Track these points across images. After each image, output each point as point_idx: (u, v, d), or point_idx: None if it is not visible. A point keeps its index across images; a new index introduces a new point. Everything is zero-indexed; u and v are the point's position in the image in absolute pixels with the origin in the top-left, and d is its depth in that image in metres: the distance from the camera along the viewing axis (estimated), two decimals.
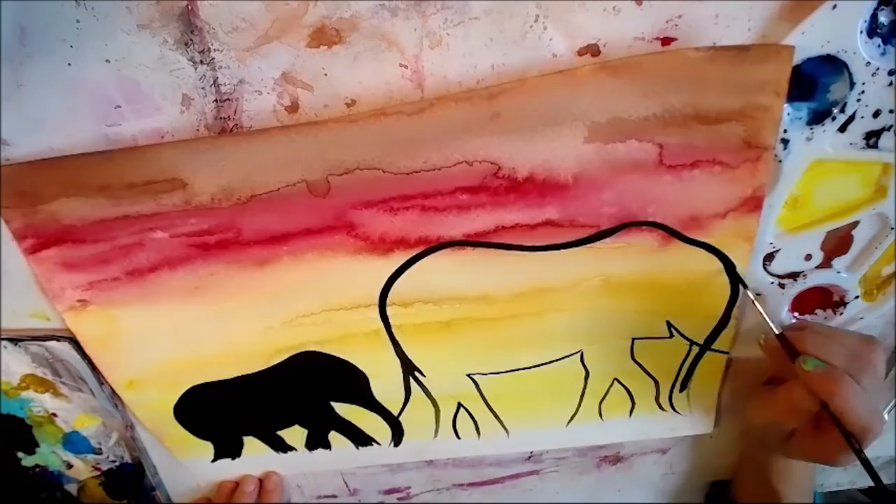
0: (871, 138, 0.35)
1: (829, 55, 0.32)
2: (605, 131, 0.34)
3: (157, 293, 0.40)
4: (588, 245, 0.39)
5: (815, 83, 0.33)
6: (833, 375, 0.35)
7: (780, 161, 0.36)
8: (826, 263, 0.41)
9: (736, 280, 0.40)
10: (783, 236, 0.39)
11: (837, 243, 0.40)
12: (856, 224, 0.39)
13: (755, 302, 0.39)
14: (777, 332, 0.38)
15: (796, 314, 0.44)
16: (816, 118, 0.35)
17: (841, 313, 0.44)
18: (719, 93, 0.33)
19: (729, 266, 0.39)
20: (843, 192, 0.38)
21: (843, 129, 0.35)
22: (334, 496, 0.57)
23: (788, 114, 0.34)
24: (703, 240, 0.38)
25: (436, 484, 0.56)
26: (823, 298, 0.44)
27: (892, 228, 0.39)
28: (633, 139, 0.34)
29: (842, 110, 0.34)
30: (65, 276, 0.40)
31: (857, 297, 0.43)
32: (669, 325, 0.43)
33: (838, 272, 0.41)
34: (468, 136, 0.34)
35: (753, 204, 0.37)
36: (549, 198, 0.37)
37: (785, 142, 0.35)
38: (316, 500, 0.57)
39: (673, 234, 0.38)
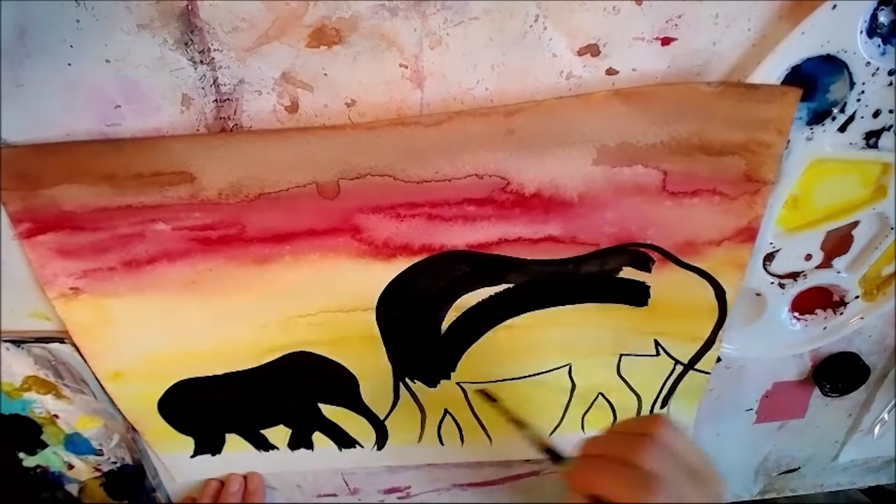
0: (871, 138, 0.35)
1: (829, 55, 0.32)
2: (613, 155, 0.35)
3: (153, 285, 0.40)
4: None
5: (815, 83, 0.33)
6: (585, 464, 0.32)
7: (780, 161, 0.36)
8: (826, 263, 0.41)
9: (724, 305, 0.41)
10: (783, 236, 0.40)
11: (837, 243, 0.41)
12: (856, 224, 0.40)
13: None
14: (546, 448, 0.37)
15: (796, 314, 0.44)
16: (816, 118, 0.35)
17: (841, 313, 0.44)
18: (725, 127, 0.33)
19: (719, 291, 0.40)
20: (842, 191, 0.38)
21: (843, 128, 0.35)
22: (334, 495, 0.57)
23: None
24: (697, 265, 0.39)
25: (436, 483, 0.56)
26: (823, 298, 0.44)
27: (893, 228, 0.39)
28: (640, 164, 0.35)
29: (842, 110, 0.34)
30: (59, 262, 0.39)
31: (857, 297, 0.43)
32: (657, 343, 0.44)
33: (838, 272, 0.42)
34: (482, 150, 0.35)
35: (748, 234, 0.38)
36: (553, 214, 0.37)
37: (787, 141, 0.35)
38: (316, 499, 0.57)
39: (669, 257, 0.39)
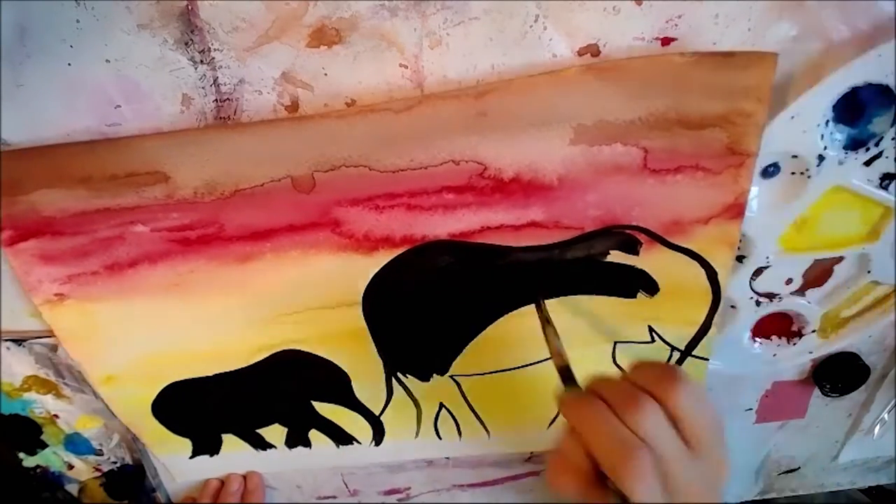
0: (886, 180, 0.36)
1: (887, 87, 0.32)
2: (590, 134, 0.34)
3: (137, 288, 0.40)
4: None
5: (863, 111, 0.33)
6: (582, 402, 0.31)
7: (808, 177, 0.35)
8: (801, 291, 0.42)
9: (717, 287, 0.40)
10: (777, 255, 0.39)
11: (818, 274, 0.41)
12: (840, 260, 0.40)
13: (545, 331, 0.37)
14: (562, 363, 0.35)
15: (756, 338, 0.45)
16: (853, 145, 0.35)
17: (794, 344, 0.44)
18: (703, 98, 0.33)
19: (710, 272, 0.39)
20: (842, 225, 0.38)
21: (868, 163, 0.35)
22: (334, 496, 0.57)
23: (831, 133, 0.34)
24: (685, 245, 0.38)
25: (436, 484, 0.56)
26: (782, 326, 0.44)
27: (869, 272, 0.40)
28: (619, 142, 0.35)
29: (876, 144, 0.34)
30: (42, 268, 0.39)
31: (813, 332, 0.44)
32: (651, 329, 0.43)
33: (808, 303, 0.42)
34: (455, 134, 0.34)
35: (736, 210, 0.37)
36: (534, 199, 0.37)
37: (820, 158, 0.35)
38: (316, 500, 0.57)
39: (656, 238, 0.38)
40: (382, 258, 0.39)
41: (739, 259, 0.40)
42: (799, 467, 0.57)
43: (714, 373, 0.47)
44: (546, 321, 0.38)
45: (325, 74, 0.33)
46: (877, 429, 0.52)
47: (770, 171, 0.36)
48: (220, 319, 0.42)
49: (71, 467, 0.53)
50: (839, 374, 0.48)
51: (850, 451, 0.55)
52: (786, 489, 0.59)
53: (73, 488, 0.55)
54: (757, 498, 0.59)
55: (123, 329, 0.42)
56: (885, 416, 0.51)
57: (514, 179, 0.36)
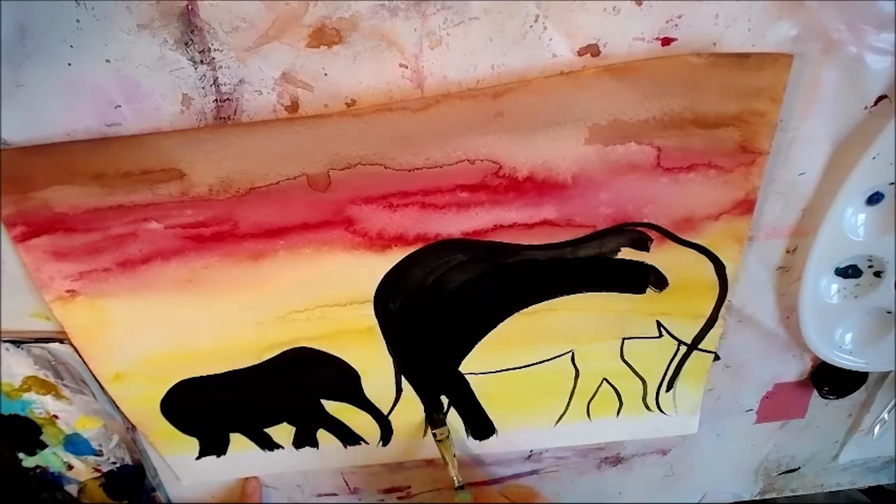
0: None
1: None
2: (605, 133, 0.35)
3: (149, 285, 0.40)
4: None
5: None
6: None
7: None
8: None
9: (724, 280, 0.41)
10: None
11: None
12: None
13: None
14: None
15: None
16: None
17: None
18: (718, 98, 0.33)
19: (719, 267, 0.40)
20: None
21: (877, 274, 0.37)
22: (335, 494, 0.57)
23: None
24: (695, 241, 0.39)
25: (436, 483, 0.56)
26: None
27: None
28: (633, 141, 0.35)
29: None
30: (54, 265, 0.39)
31: None
32: (659, 324, 0.44)
33: None
34: (471, 133, 0.34)
35: (746, 206, 0.37)
36: (548, 197, 0.37)
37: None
38: (316, 498, 0.57)
39: (667, 235, 0.39)
40: (395, 256, 0.40)
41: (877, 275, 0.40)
42: (799, 467, 0.57)
43: (716, 371, 0.47)
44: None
45: (325, 74, 0.33)
46: (877, 429, 0.52)
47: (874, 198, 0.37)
48: (232, 317, 0.42)
49: (70, 468, 0.53)
50: (839, 375, 0.48)
51: (850, 451, 0.55)
52: (786, 489, 0.59)
53: (72, 489, 0.55)
54: (757, 498, 0.59)
55: (134, 326, 0.42)
56: (885, 416, 0.52)
57: (528, 178, 0.36)
